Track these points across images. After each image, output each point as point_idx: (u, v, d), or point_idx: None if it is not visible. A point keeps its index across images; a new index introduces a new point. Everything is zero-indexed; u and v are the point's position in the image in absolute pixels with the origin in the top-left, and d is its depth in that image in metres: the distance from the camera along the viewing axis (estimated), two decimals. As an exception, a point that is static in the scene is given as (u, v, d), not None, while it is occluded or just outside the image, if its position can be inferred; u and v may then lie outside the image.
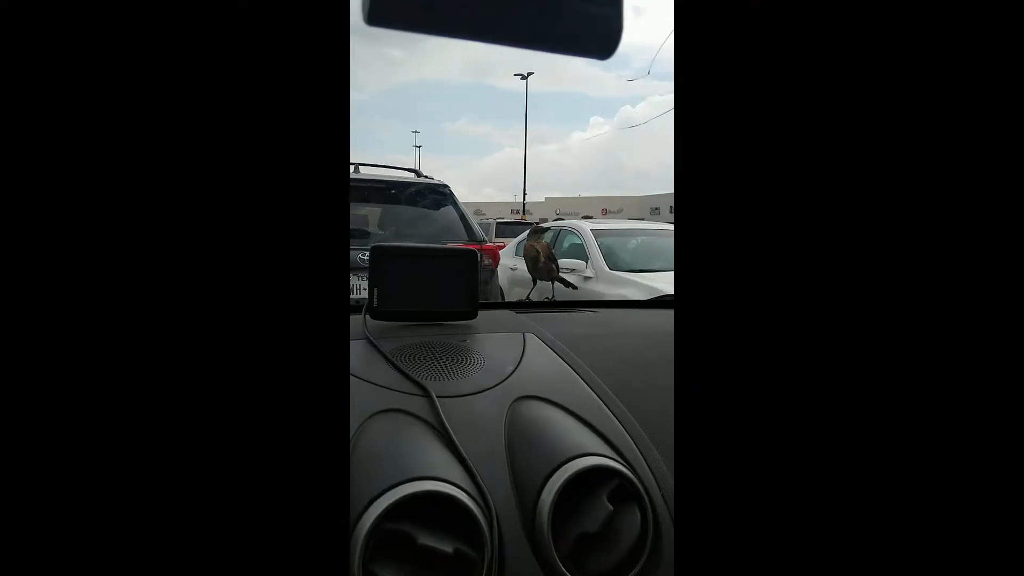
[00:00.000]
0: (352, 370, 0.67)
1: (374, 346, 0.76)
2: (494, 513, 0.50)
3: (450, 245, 3.33)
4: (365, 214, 3.65)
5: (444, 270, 0.87)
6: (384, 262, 0.85)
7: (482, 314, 0.90)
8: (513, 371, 0.72)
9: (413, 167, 4.26)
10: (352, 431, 0.56)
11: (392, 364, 0.70)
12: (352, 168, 3.70)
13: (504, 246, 5.82)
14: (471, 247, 0.89)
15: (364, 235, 3.32)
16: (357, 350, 0.75)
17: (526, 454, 0.56)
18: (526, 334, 0.85)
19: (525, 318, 0.97)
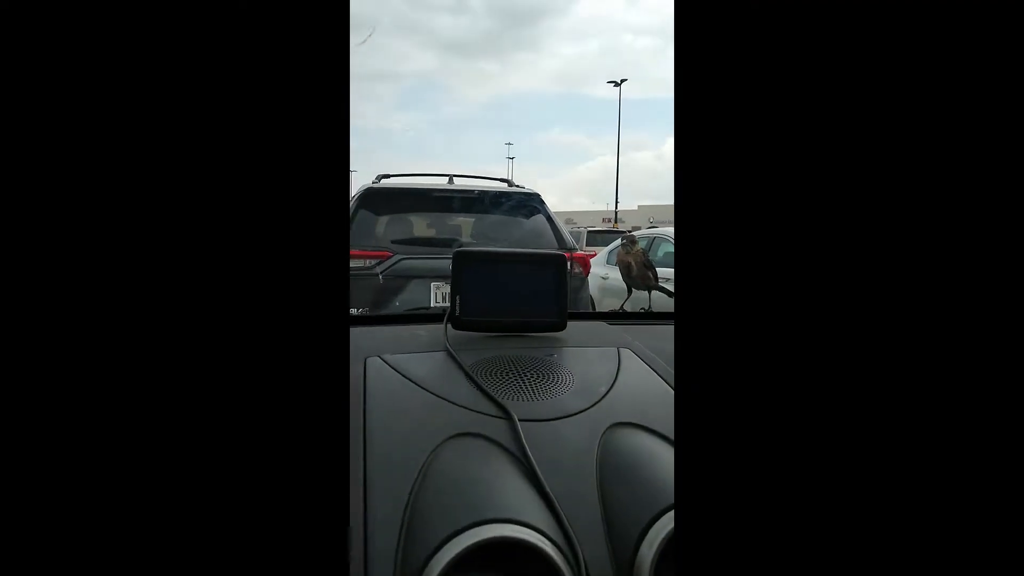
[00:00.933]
0: (429, 385, 0.65)
1: (453, 358, 0.72)
2: (583, 567, 0.43)
3: (538, 251, 3.28)
4: (459, 224, 3.70)
5: (532, 277, 0.81)
6: (468, 267, 0.81)
7: (572, 325, 0.84)
8: (607, 392, 0.65)
9: (506, 177, 4.29)
10: (425, 454, 0.53)
11: (472, 380, 0.66)
12: (446, 180, 3.76)
13: (595, 255, 5.73)
14: (560, 252, 0.84)
15: (456, 244, 3.37)
16: (436, 362, 0.72)
17: (623, 495, 0.49)
18: (621, 349, 0.78)
19: (619, 330, 0.90)
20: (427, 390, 0.64)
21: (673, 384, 0.68)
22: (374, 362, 0.72)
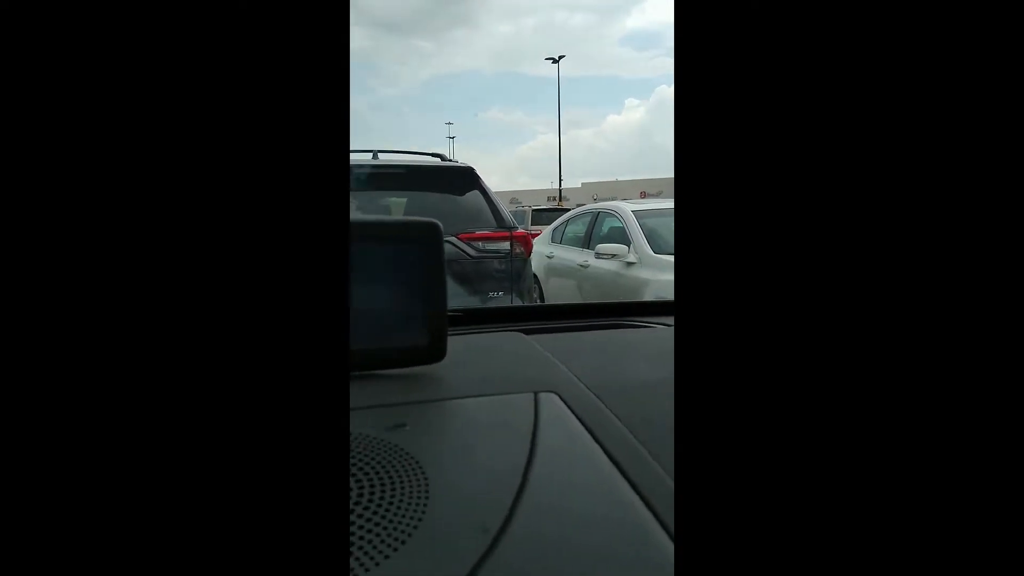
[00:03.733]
0: None
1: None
2: None
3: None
4: (387, 204, 3.41)
5: (383, 267, 0.48)
6: None
7: (464, 342, 0.55)
8: (500, 525, 0.37)
9: (438, 152, 3.99)
10: None
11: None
12: (370, 155, 3.45)
13: (539, 234, 5.50)
14: (432, 221, 0.50)
15: None
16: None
17: None
18: (541, 394, 0.47)
19: (549, 346, 0.62)
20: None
21: (606, 445, 0.45)
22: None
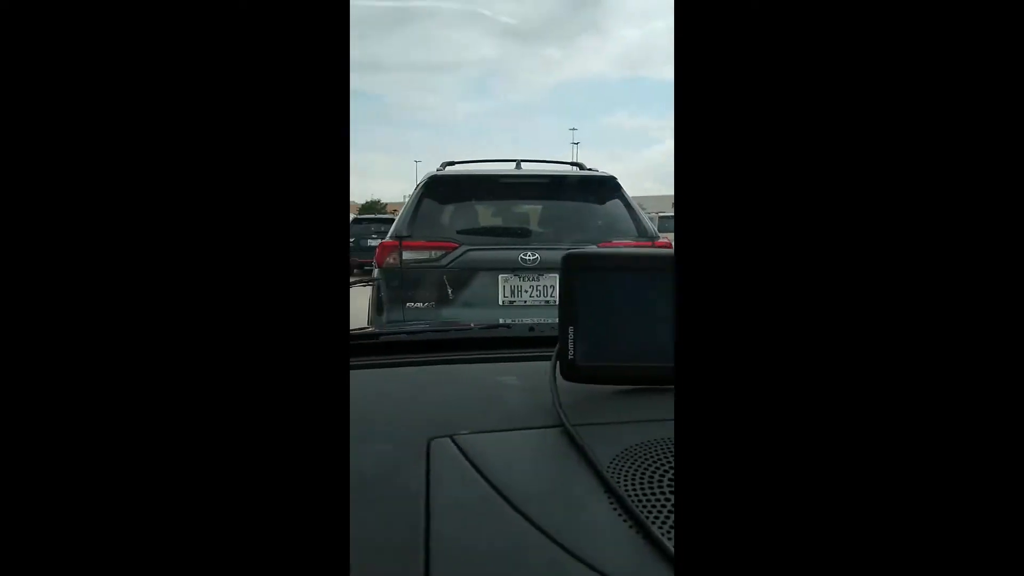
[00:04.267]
0: (534, 511, 0.40)
1: (575, 444, 0.43)
2: None
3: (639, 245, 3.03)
4: (526, 212, 3.49)
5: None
6: (588, 280, 0.49)
7: None
8: None
9: (577, 161, 4.03)
10: None
11: (614, 494, 0.39)
12: (513, 165, 3.55)
13: (669, 243, 5.39)
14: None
15: (526, 234, 3.14)
16: (544, 453, 0.46)
17: None
18: None
19: None
20: (530, 520, 0.39)
21: None
22: (443, 449, 0.47)
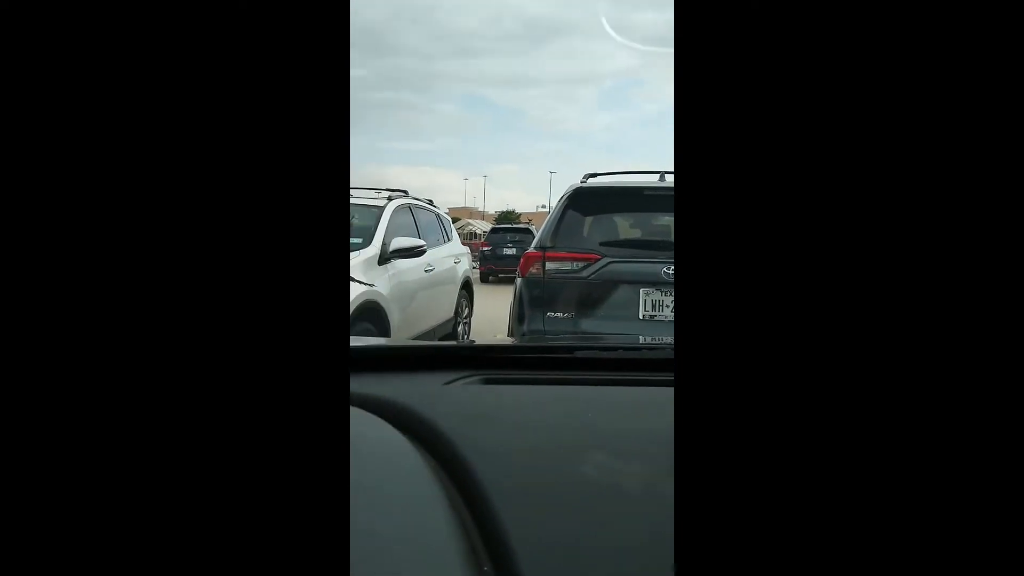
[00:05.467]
0: None
1: None
2: None
3: None
4: (669, 224, 3.41)
5: None
6: None
7: None
8: None
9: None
10: None
11: None
12: (657, 177, 3.49)
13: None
14: None
15: (668, 247, 3.07)
16: None
17: None
18: None
19: None
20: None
21: None
22: None
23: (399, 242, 3.54)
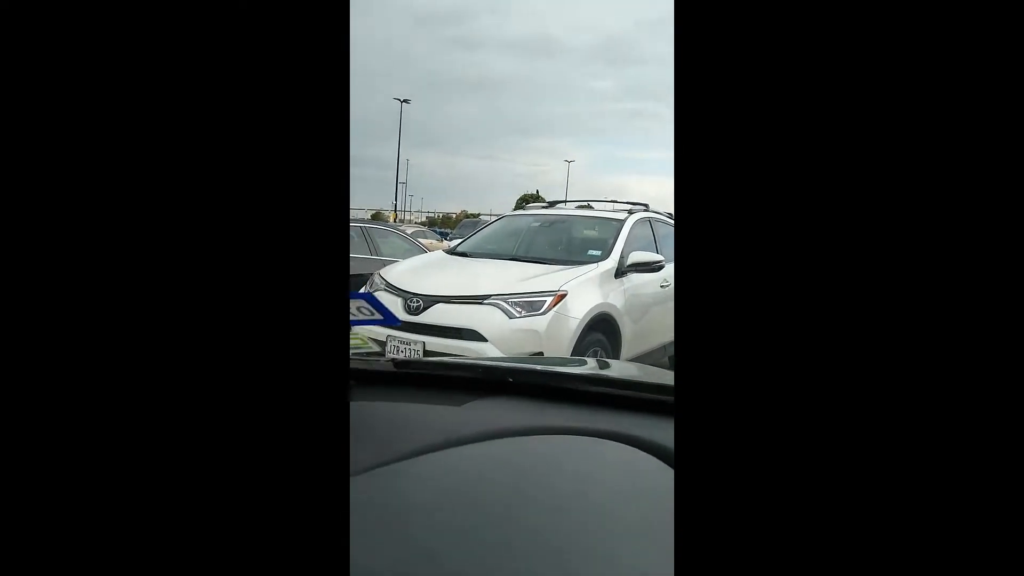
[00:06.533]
0: None
1: None
2: None
3: None
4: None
5: None
6: None
7: None
8: None
9: None
10: None
11: None
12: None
13: None
14: None
15: None
16: None
17: None
18: None
19: None
20: None
21: None
22: None
23: (637, 256, 3.55)
